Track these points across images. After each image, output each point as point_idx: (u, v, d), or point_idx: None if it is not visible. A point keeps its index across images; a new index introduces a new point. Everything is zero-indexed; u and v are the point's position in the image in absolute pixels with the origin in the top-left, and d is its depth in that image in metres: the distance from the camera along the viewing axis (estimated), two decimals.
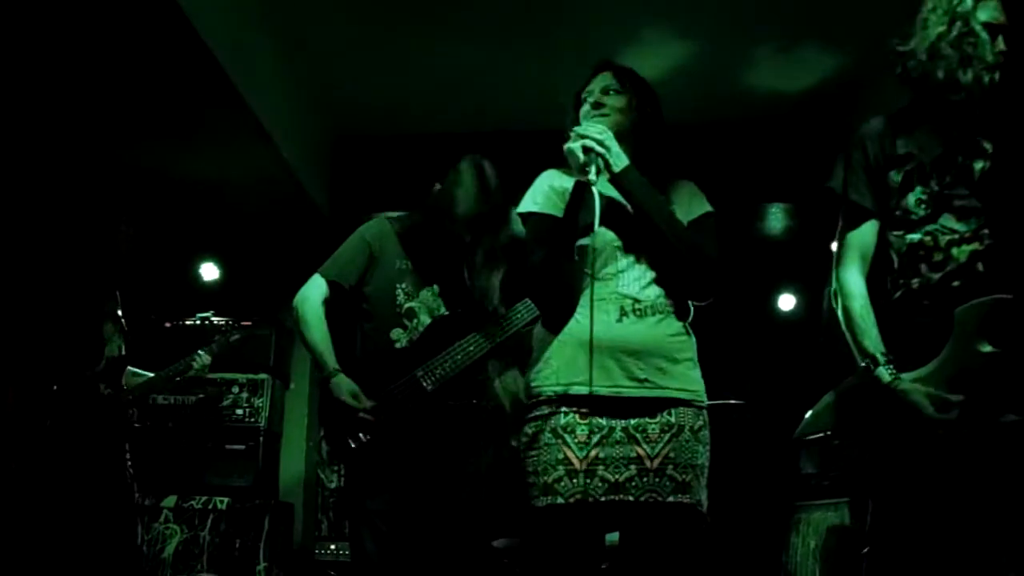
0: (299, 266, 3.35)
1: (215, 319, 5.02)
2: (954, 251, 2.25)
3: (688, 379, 2.26)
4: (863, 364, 2.26)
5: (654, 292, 2.26)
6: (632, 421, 2.18)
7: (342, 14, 4.45)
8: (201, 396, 4.84)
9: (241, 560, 4.49)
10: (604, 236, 2.25)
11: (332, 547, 5.10)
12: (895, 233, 2.35)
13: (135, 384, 3.73)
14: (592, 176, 2.14)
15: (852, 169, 2.41)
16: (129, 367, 3.76)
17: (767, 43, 4.68)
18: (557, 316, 2.28)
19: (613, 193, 2.27)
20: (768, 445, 2.54)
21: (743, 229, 5.77)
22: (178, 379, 3.85)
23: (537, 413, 2.24)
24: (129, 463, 3.61)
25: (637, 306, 2.23)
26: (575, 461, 2.14)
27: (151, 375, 3.79)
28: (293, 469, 5.55)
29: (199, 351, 3.85)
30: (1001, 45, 2.27)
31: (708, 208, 2.38)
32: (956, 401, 2.13)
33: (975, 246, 2.24)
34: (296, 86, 5.01)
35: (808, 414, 2.47)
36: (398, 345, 3.04)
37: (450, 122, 5.35)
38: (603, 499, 2.13)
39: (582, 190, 2.19)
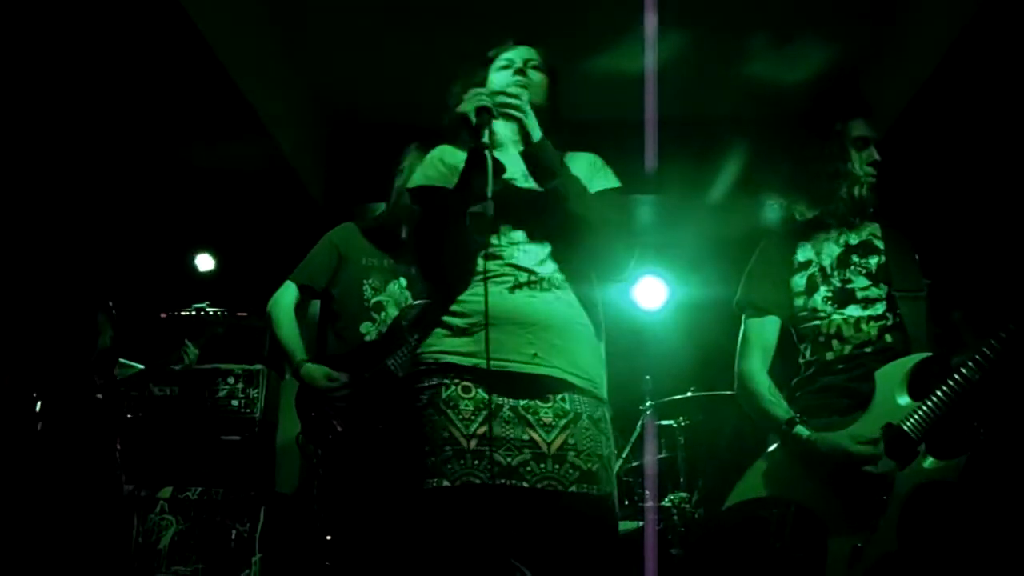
0: (294, 256, 3.37)
1: (210, 310, 5.00)
2: (864, 327, 2.44)
3: (585, 365, 2.09)
4: (782, 429, 2.39)
5: (550, 267, 2.12)
6: (521, 401, 2.00)
7: (340, 3, 4.43)
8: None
9: (237, 551, 4.49)
10: (499, 207, 2.07)
11: (328, 537, 5.09)
12: (805, 325, 2.55)
13: (126, 375, 3.73)
14: (486, 139, 2.02)
15: (752, 276, 2.64)
16: (120, 359, 3.77)
17: (763, 35, 4.67)
18: (446, 288, 2.13)
19: (511, 164, 2.18)
20: (762, 433, 2.58)
21: (742, 222, 5.76)
22: (171, 368, 3.83)
23: (421, 385, 2.06)
24: (118, 453, 3.61)
25: (532, 278, 2.09)
26: (461, 439, 1.96)
27: (140, 367, 3.78)
28: (289, 459, 5.54)
29: (187, 342, 3.82)
30: (873, 156, 2.52)
31: (615, 183, 2.27)
32: (876, 439, 2.27)
33: (883, 322, 2.44)
34: (293, 76, 4.99)
35: (738, 484, 2.51)
36: (368, 338, 3.18)
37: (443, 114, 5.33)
38: (491, 482, 1.92)
39: (477, 158, 2.02)
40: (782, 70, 4.93)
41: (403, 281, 3.28)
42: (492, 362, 1.96)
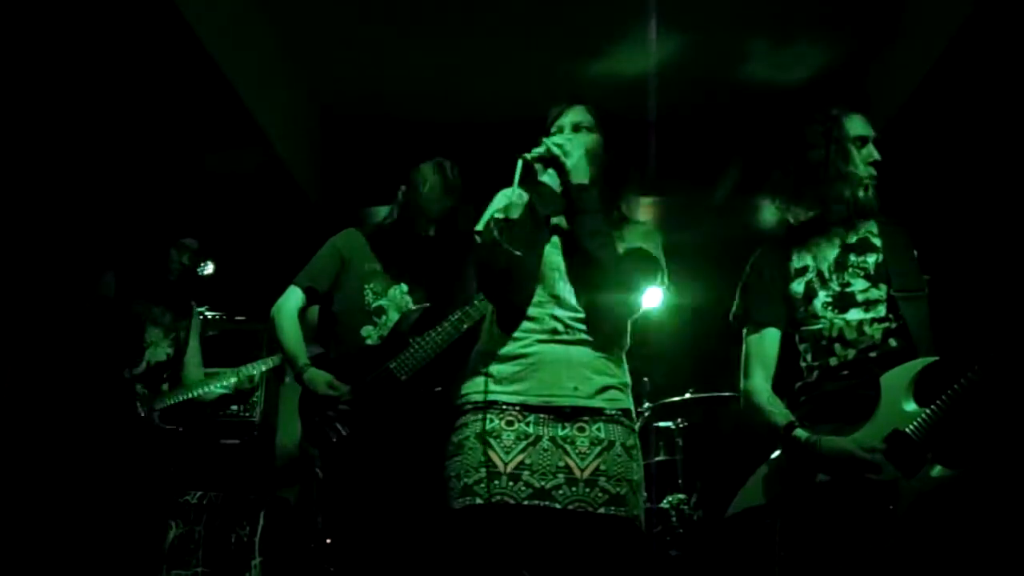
0: (292, 260, 3.38)
1: (209, 314, 5.00)
2: (867, 329, 2.39)
3: (617, 399, 2.24)
4: (781, 434, 2.36)
5: (581, 316, 2.23)
6: (560, 432, 2.13)
7: (335, 4, 4.44)
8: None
9: (236, 555, 4.49)
10: (550, 260, 2.25)
11: (328, 541, 5.09)
12: (805, 330, 2.50)
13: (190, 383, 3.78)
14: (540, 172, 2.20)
15: (749, 290, 2.59)
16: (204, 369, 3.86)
17: (763, 34, 4.68)
18: (497, 334, 2.26)
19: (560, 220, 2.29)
20: (760, 436, 2.57)
21: (742, 224, 5.76)
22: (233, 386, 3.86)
23: (462, 421, 2.19)
24: (171, 465, 3.65)
25: (570, 326, 2.21)
26: (499, 464, 2.08)
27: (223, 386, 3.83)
28: (289, 463, 5.54)
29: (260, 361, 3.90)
30: (873, 155, 2.48)
31: (653, 252, 2.34)
32: (882, 448, 2.23)
33: (886, 325, 2.38)
34: (289, 79, 5.00)
35: (741, 492, 2.50)
36: (369, 342, 3.19)
37: (442, 113, 5.34)
38: (526, 503, 2.04)
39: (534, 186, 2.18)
40: (783, 71, 4.94)
41: (404, 286, 3.29)
42: (536, 398, 2.14)
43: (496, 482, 2.05)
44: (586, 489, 2.07)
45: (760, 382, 2.49)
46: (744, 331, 2.59)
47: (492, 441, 2.10)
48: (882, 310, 2.40)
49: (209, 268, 5.80)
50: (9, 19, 3.61)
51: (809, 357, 2.50)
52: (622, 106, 4.35)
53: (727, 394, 4.44)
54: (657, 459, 4.53)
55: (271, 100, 4.73)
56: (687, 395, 4.53)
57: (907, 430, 2.24)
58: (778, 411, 2.42)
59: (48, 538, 3.40)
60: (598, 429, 2.15)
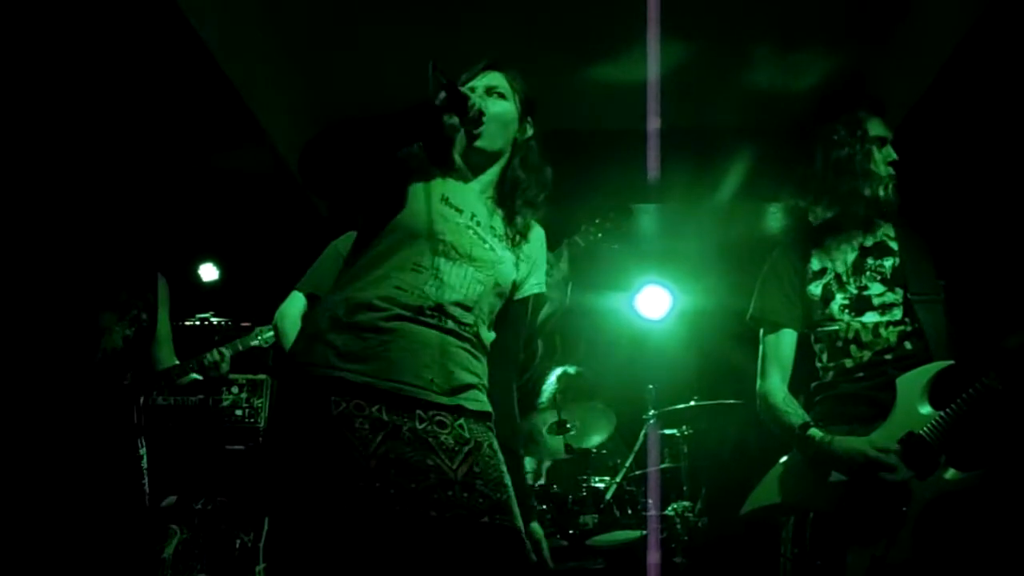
0: (298, 267, 3.37)
1: (214, 320, 5.01)
2: (882, 332, 2.42)
3: (480, 400, 1.95)
4: (796, 433, 2.39)
5: (467, 307, 1.95)
6: (419, 425, 1.81)
7: (341, 10, 4.45)
8: (202, 397, 4.83)
9: (241, 560, 4.49)
10: (444, 226, 1.96)
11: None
12: (821, 331, 2.53)
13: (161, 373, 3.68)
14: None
15: (766, 291, 2.62)
16: (176, 362, 3.72)
17: (766, 43, 4.68)
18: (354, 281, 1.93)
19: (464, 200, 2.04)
20: (765, 443, 2.59)
21: (746, 231, 5.77)
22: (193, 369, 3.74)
23: (302, 401, 1.81)
24: (144, 460, 3.53)
25: (446, 309, 1.90)
26: (361, 459, 1.74)
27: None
28: None
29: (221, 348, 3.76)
30: (892, 155, 2.53)
31: (542, 287, 2.15)
32: (896, 450, 2.25)
33: (902, 328, 2.41)
34: (296, 85, 5.01)
35: (755, 490, 2.52)
36: None
37: None
38: (399, 508, 1.74)
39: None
40: (786, 78, 4.94)
41: None
42: (384, 383, 1.82)
43: (362, 484, 1.72)
44: (464, 494, 1.79)
45: (776, 383, 2.51)
46: (761, 331, 2.61)
47: (346, 433, 1.75)
48: (898, 313, 2.42)
49: (214, 274, 5.85)
50: (22, 35, 3.63)
51: (825, 358, 2.52)
52: (626, 114, 4.41)
53: (732, 401, 4.43)
54: (662, 466, 4.52)
55: (279, 109, 4.74)
56: (692, 402, 4.53)
57: (922, 432, 2.25)
58: (793, 411, 2.44)
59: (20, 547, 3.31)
60: (460, 427, 1.86)
